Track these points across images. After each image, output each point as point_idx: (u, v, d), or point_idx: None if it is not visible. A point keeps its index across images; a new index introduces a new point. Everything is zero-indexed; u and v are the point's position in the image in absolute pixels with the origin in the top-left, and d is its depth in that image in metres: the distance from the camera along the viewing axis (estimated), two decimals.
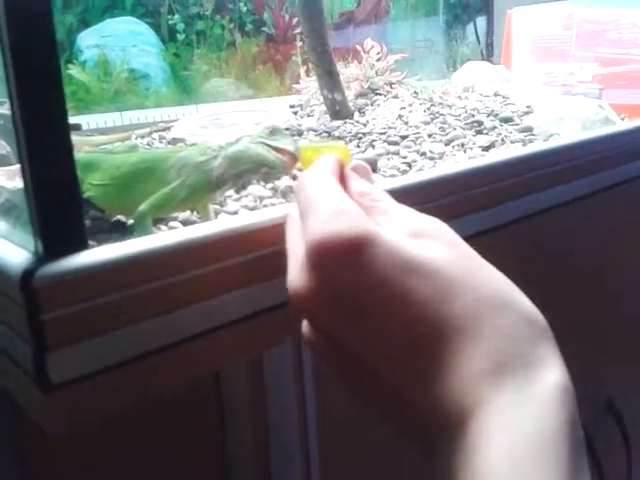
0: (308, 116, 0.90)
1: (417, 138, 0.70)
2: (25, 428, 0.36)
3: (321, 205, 0.28)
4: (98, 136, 0.75)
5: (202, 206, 0.49)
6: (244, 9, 1.32)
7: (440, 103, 0.89)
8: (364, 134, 0.73)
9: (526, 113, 0.83)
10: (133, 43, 1.21)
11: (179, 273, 0.32)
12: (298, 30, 1.22)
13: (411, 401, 0.26)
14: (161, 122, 0.89)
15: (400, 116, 0.81)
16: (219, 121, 0.85)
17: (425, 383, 0.25)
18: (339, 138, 0.73)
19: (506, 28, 1.06)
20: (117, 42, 1.20)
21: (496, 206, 0.49)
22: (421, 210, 0.30)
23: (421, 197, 0.42)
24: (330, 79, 0.82)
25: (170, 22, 1.27)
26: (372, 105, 0.90)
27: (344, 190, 0.29)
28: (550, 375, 0.23)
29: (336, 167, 0.31)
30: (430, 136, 0.71)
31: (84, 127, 0.84)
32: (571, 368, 0.25)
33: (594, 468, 0.71)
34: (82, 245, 0.30)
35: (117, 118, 0.93)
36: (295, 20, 1.29)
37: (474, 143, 0.68)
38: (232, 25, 1.30)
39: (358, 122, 0.81)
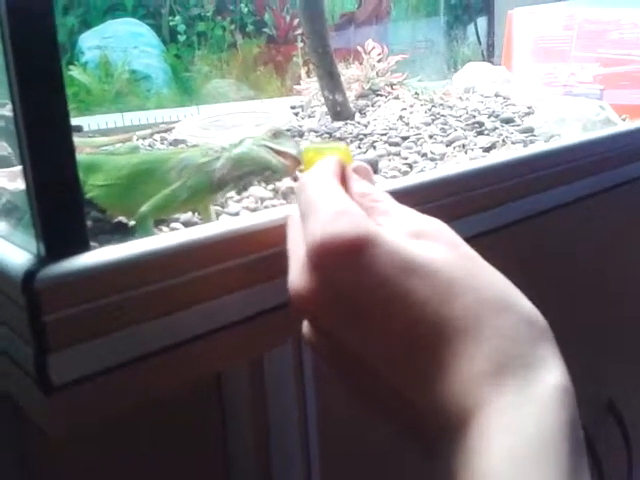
0: (309, 117, 0.90)
1: (418, 139, 0.70)
2: (26, 429, 0.36)
3: (322, 206, 0.28)
4: (99, 137, 0.75)
5: (203, 207, 0.49)
6: (245, 10, 1.32)
7: (441, 104, 0.89)
8: (365, 135, 0.73)
9: (527, 114, 0.83)
10: (134, 44, 1.21)
11: (180, 274, 0.32)
12: (299, 31, 1.22)
13: (411, 401, 0.26)
14: (162, 123, 0.89)
15: (401, 117, 0.81)
16: (220, 122, 0.84)
17: (425, 384, 0.25)
18: (340, 139, 0.73)
19: (507, 29, 1.06)
20: (118, 43, 1.20)
21: (497, 207, 0.50)
22: (422, 211, 0.30)
23: (422, 198, 0.42)
24: (331, 80, 0.82)
25: (171, 23, 1.27)
26: (373, 106, 0.90)
27: (345, 191, 0.29)
28: (550, 376, 0.24)
29: (337, 168, 0.31)
30: (431, 137, 0.71)
31: (85, 128, 0.84)
32: (572, 369, 0.25)
33: (594, 469, 0.70)
34: (84, 247, 0.30)
35: (118, 119, 0.93)
36: (296, 21, 1.29)
37: (475, 144, 0.68)
38: (233, 26, 1.30)
39: (359, 123, 0.81)
